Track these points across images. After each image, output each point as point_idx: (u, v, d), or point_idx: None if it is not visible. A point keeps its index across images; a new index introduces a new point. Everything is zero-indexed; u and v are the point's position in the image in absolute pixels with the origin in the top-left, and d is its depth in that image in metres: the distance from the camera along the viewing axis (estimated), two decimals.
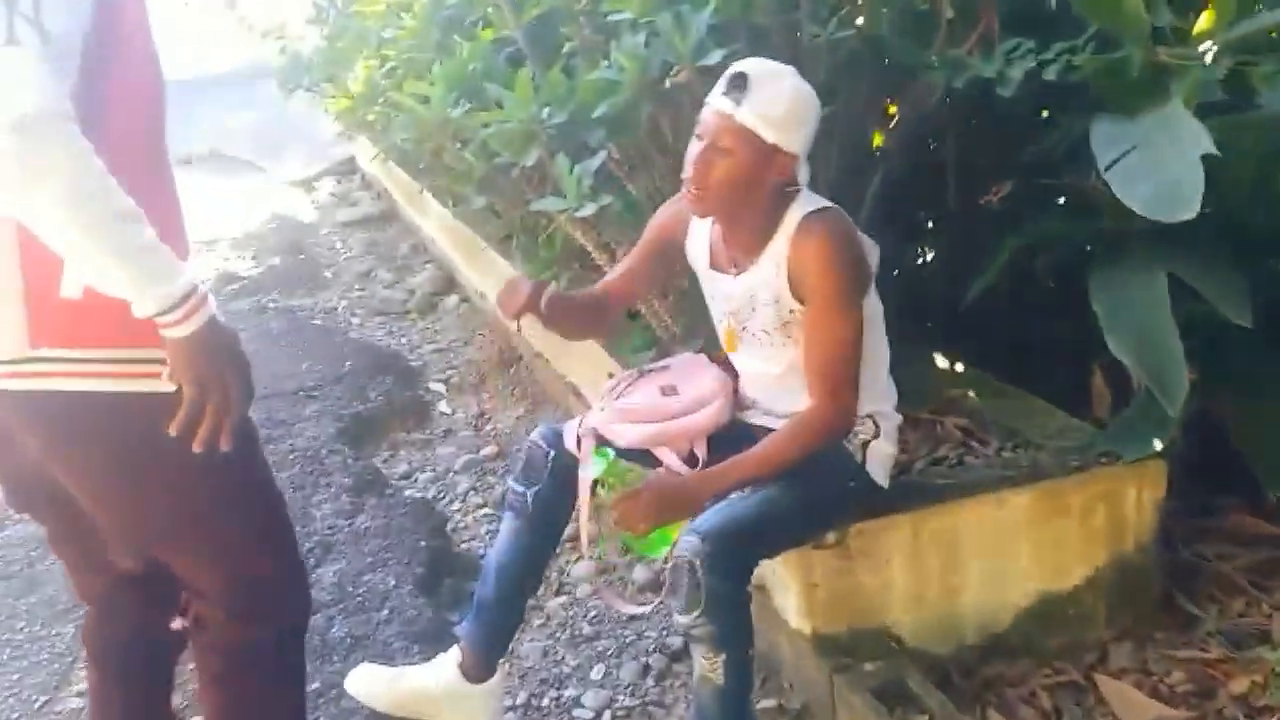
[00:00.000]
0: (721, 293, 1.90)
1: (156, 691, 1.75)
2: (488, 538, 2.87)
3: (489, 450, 3.37)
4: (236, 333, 1.38)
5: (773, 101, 1.68)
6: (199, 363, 1.30)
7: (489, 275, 4.27)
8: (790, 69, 1.74)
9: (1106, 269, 2.22)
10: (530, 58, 2.60)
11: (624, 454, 1.89)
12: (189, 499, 1.44)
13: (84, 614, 1.72)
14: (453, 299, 4.85)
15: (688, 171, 1.75)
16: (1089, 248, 2.50)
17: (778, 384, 1.90)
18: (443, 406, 3.78)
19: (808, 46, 2.27)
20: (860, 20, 2.33)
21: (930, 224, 2.79)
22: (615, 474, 1.72)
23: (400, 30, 3.06)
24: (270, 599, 1.58)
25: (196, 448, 1.32)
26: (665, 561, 1.75)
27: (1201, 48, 2.01)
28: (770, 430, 1.92)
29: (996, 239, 2.52)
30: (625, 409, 1.96)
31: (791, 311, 1.79)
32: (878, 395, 1.90)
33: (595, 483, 1.76)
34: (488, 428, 3.59)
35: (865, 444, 1.89)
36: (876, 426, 1.89)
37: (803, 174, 1.80)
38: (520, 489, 2.01)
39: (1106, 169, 1.85)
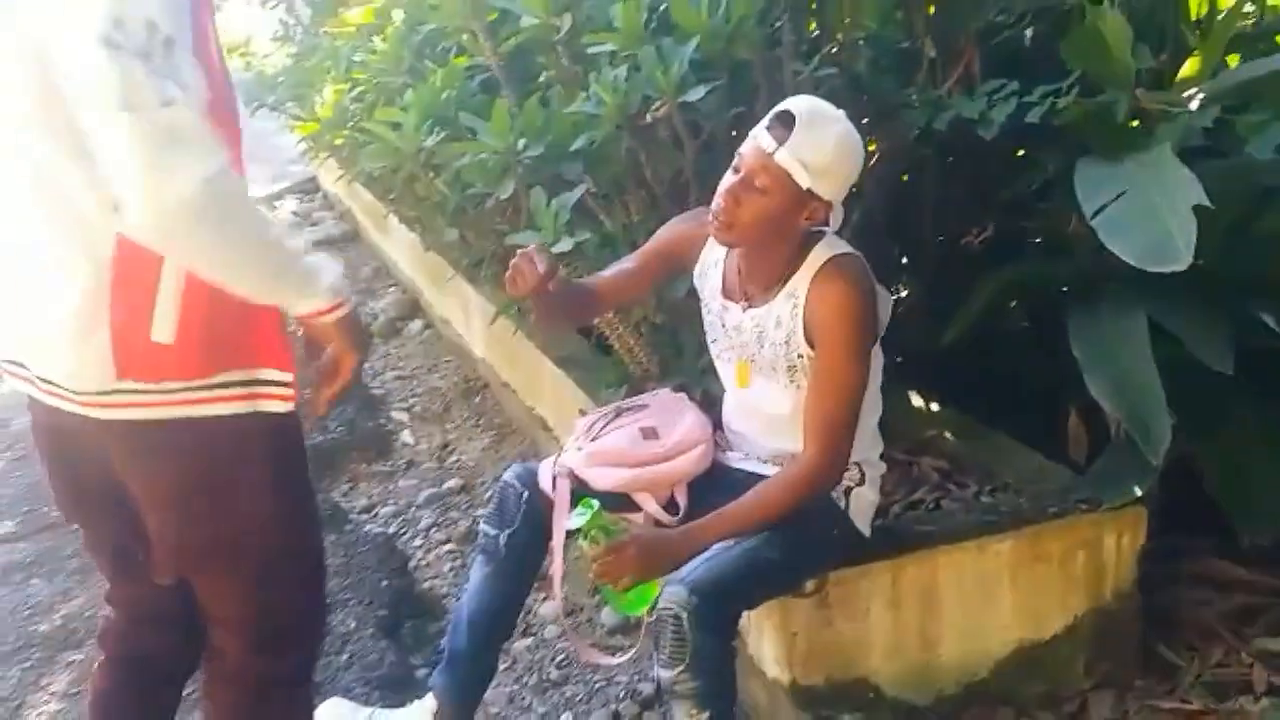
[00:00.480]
0: (730, 324, 1.85)
1: (162, 708, 1.73)
2: (450, 575, 2.79)
3: (453, 483, 3.29)
4: None
5: (816, 147, 1.64)
6: (355, 331, 1.47)
7: (454, 301, 4.20)
8: (841, 114, 1.70)
9: (1085, 312, 2.20)
10: (506, 87, 2.55)
11: (601, 497, 1.83)
12: (246, 519, 1.47)
13: (104, 617, 1.77)
14: (417, 324, 4.77)
15: (718, 203, 1.71)
16: (1065, 289, 2.50)
17: (775, 426, 1.86)
18: (405, 436, 3.70)
19: (789, 83, 2.24)
20: (841, 58, 2.31)
21: (906, 261, 2.76)
22: (599, 525, 1.66)
23: (371, 54, 3.00)
24: (295, 632, 1.58)
25: (323, 410, 1.55)
26: (648, 614, 1.69)
27: (1186, 94, 2.01)
28: (753, 474, 1.88)
29: (974, 278, 2.51)
30: (603, 450, 1.91)
31: (800, 356, 1.75)
32: (866, 443, 1.86)
33: (577, 532, 1.70)
34: (451, 459, 3.51)
35: (849, 490, 1.85)
36: (862, 474, 1.85)
37: (835, 219, 1.76)
38: (493, 532, 1.94)
39: (1093, 216, 1.83)
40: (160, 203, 1.17)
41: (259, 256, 1.30)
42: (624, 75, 2.12)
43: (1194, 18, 2.44)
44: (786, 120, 1.65)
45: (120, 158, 1.16)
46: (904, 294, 2.95)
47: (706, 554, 1.68)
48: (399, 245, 5.19)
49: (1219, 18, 2.15)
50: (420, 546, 2.95)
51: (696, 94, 2.05)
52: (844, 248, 1.77)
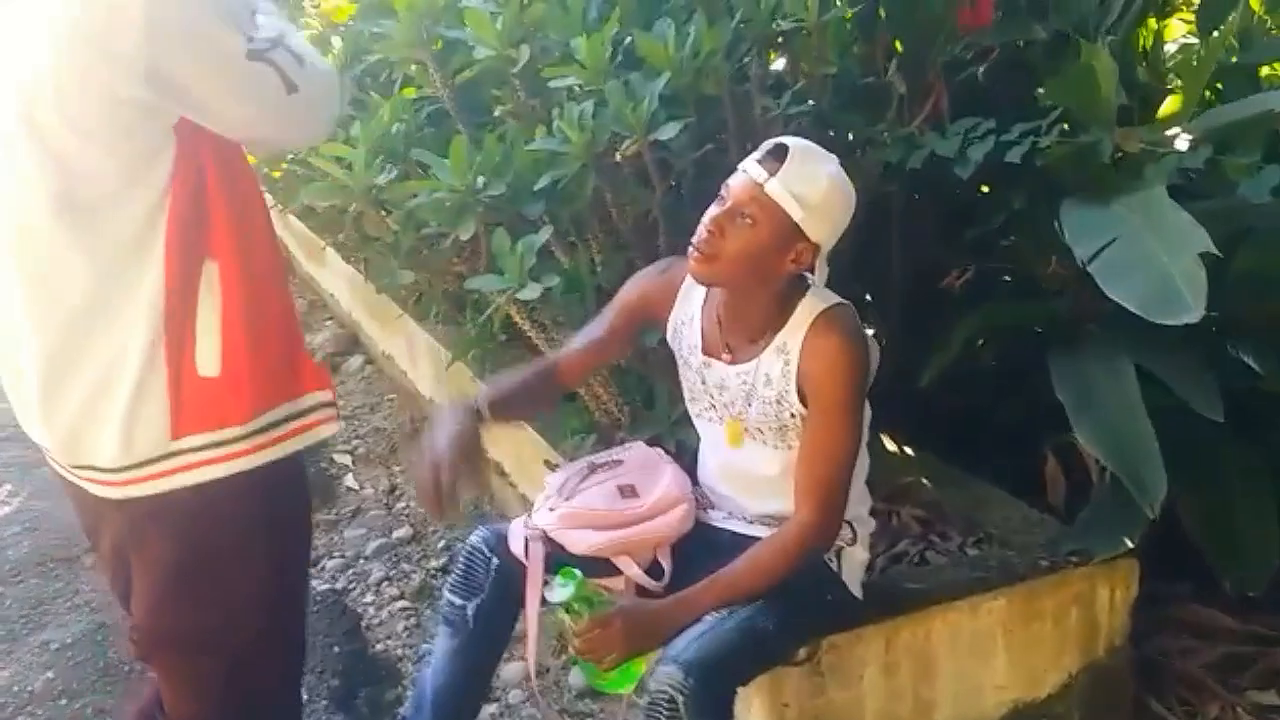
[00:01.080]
0: (713, 381, 1.73)
1: None
2: (405, 635, 2.64)
3: (402, 532, 3.13)
4: None
5: (809, 181, 1.55)
6: None
7: (399, 338, 4.04)
8: (834, 159, 1.61)
9: (1067, 355, 2.14)
10: (459, 120, 2.42)
11: (578, 561, 1.71)
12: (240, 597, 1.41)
13: None
14: (356, 360, 4.59)
15: (700, 234, 1.58)
16: (1040, 330, 2.44)
17: (763, 487, 1.75)
18: (349, 481, 3.53)
19: (759, 120, 2.15)
20: (810, 97, 2.22)
21: (873, 301, 2.69)
22: (582, 598, 1.54)
23: None
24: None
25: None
26: (633, 693, 1.57)
27: (1169, 133, 1.96)
28: (739, 534, 1.78)
29: (945, 318, 2.44)
30: (579, 511, 1.78)
31: (792, 415, 1.64)
32: (856, 500, 1.76)
33: (560, 605, 1.57)
34: (399, 505, 3.35)
35: (840, 551, 1.75)
36: (854, 533, 1.75)
37: (820, 272, 1.66)
38: (459, 601, 1.80)
39: (1090, 260, 1.76)
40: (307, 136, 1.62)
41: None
42: (590, 111, 2.01)
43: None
44: (779, 153, 1.56)
45: None
46: (871, 332, 2.88)
47: (698, 628, 1.56)
48: (336, 278, 5.00)
49: (1197, 54, 2.11)
50: (371, 604, 2.78)
51: (669, 132, 1.95)
52: (834, 298, 1.68)
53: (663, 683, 1.48)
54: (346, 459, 3.68)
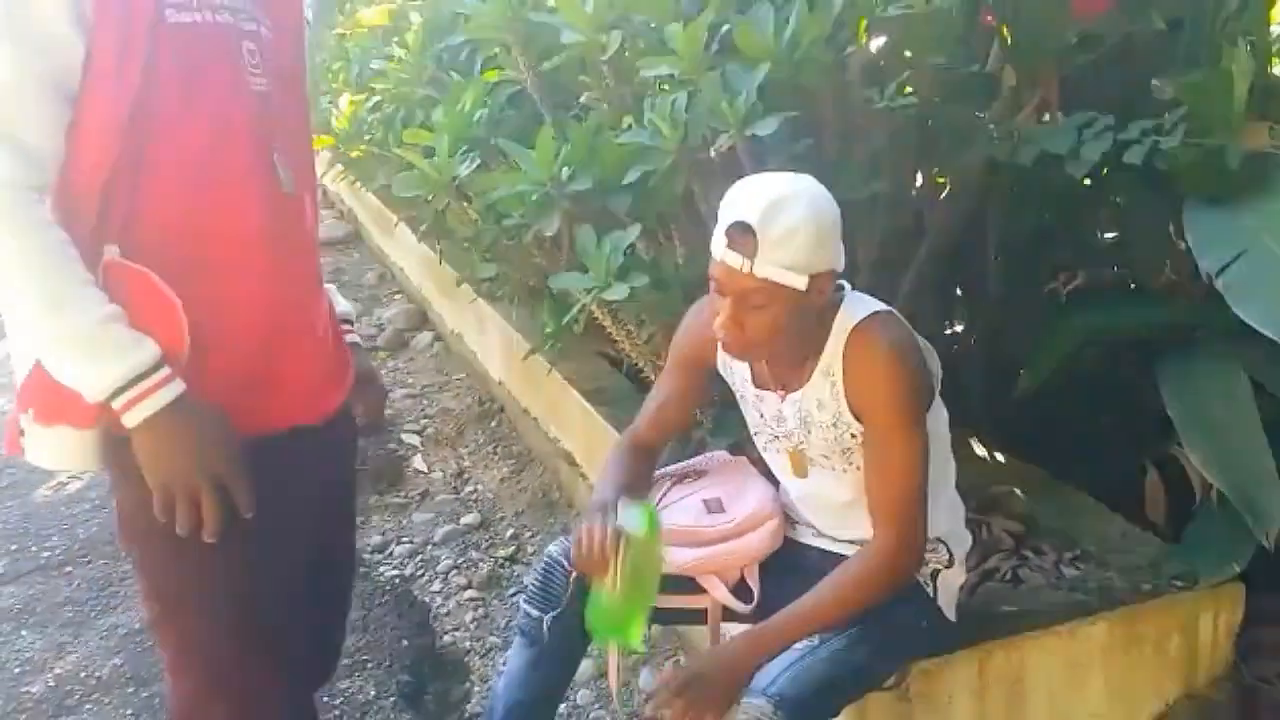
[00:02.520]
0: (769, 413, 1.65)
1: None
2: (473, 627, 2.61)
3: (470, 518, 3.10)
4: (215, 416, 1.22)
5: (790, 242, 1.41)
6: (156, 459, 1.20)
7: (469, 316, 4.00)
8: (793, 188, 1.45)
9: (1178, 367, 2.03)
10: (543, 106, 2.35)
11: (663, 580, 1.64)
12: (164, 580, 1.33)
13: None
14: (425, 336, 4.57)
15: (720, 333, 1.50)
16: (1145, 337, 2.32)
17: (840, 514, 1.67)
18: (418, 463, 3.51)
19: (860, 112, 2.05)
20: (910, 88, 2.11)
21: (965, 296, 2.58)
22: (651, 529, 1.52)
23: (391, 61, 2.79)
24: None
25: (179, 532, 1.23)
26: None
27: None
28: (829, 553, 1.70)
29: (1046, 320, 2.33)
30: (664, 527, 1.72)
31: (853, 435, 1.56)
32: (946, 513, 1.68)
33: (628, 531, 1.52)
34: (467, 489, 3.33)
35: (936, 574, 1.66)
36: (950, 553, 1.67)
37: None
38: (535, 613, 1.75)
39: (1218, 274, 1.64)
40: None
41: (14, 290, 1.15)
42: (684, 104, 1.92)
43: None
44: (743, 230, 1.42)
45: None
46: (959, 329, 2.78)
47: (787, 656, 1.49)
48: (406, 252, 4.98)
49: None
50: (439, 592, 2.76)
51: (767, 127, 1.85)
52: (869, 305, 1.57)
53: (751, 715, 1.42)
54: (415, 439, 3.66)
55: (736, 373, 1.70)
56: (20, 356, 1.27)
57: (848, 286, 1.60)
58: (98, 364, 1.16)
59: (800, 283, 1.44)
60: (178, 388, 1.19)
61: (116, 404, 1.17)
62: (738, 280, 1.45)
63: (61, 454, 1.27)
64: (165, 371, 1.19)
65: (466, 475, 3.41)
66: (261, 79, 1.29)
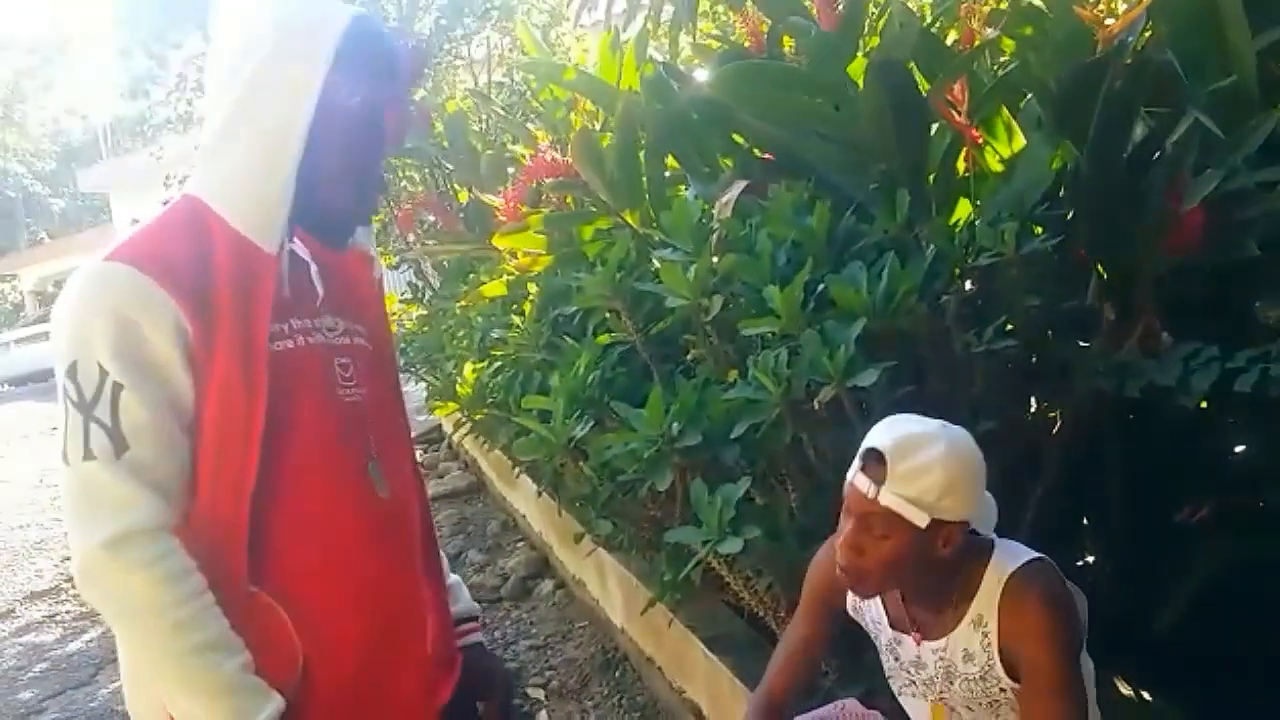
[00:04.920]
0: (906, 659, 1.63)
1: None
2: None
3: None
4: None
5: (919, 479, 1.45)
6: None
7: (590, 562, 4.04)
8: (937, 431, 1.50)
9: None
10: (651, 364, 2.46)
11: None
12: None
13: None
14: (548, 584, 4.60)
15: (841, 559, 1.53)
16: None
17: None
18: (543, 718, 3.46)
19: (960, 356, 2.10)
20: (1011, 328, 2.16)
21: (1096, 534, 2.52)
22: None
23: (509, 330, 2.98)
24: None
25: None
26: None
27: None
28: None
29: (1181, 550, 2.25)
30: None
31: (1002, 690, 1.52)
32: None
33: None
34: None
35: None
36: None
37: (988, 520, 1.57)
38: None
39: None
40: (75, 557, 1.18)
41: (153, 641, 1.18)
42: (785, 359, 2.00)
43: None
44: (877, 458, 1.47)
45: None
46: (1089, 560, 2.69)
47: None
48: (527, 499, 5.10)
49: None
50: None
51: (868, 379, 1.91)
52: (1023, 555, 1.55)
53: None
54: (540, 693, 3.63)
55: (868, 614, 1.69)
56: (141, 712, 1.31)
57: (996, 537, 1.59)
58: (230, 718, 1.19)
59: (921, 520, 1.45)
60: None
61: None
62: (863, 504, 1.48)
63: None
64: None
65: None
66: (355, 389, 1.36)
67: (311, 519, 1.29)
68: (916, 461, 1.45)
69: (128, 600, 1.17)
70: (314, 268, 1.34)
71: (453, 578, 1.61)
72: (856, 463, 1.52)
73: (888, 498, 1.46)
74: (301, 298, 1.33)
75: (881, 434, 1.50)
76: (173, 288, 1.19)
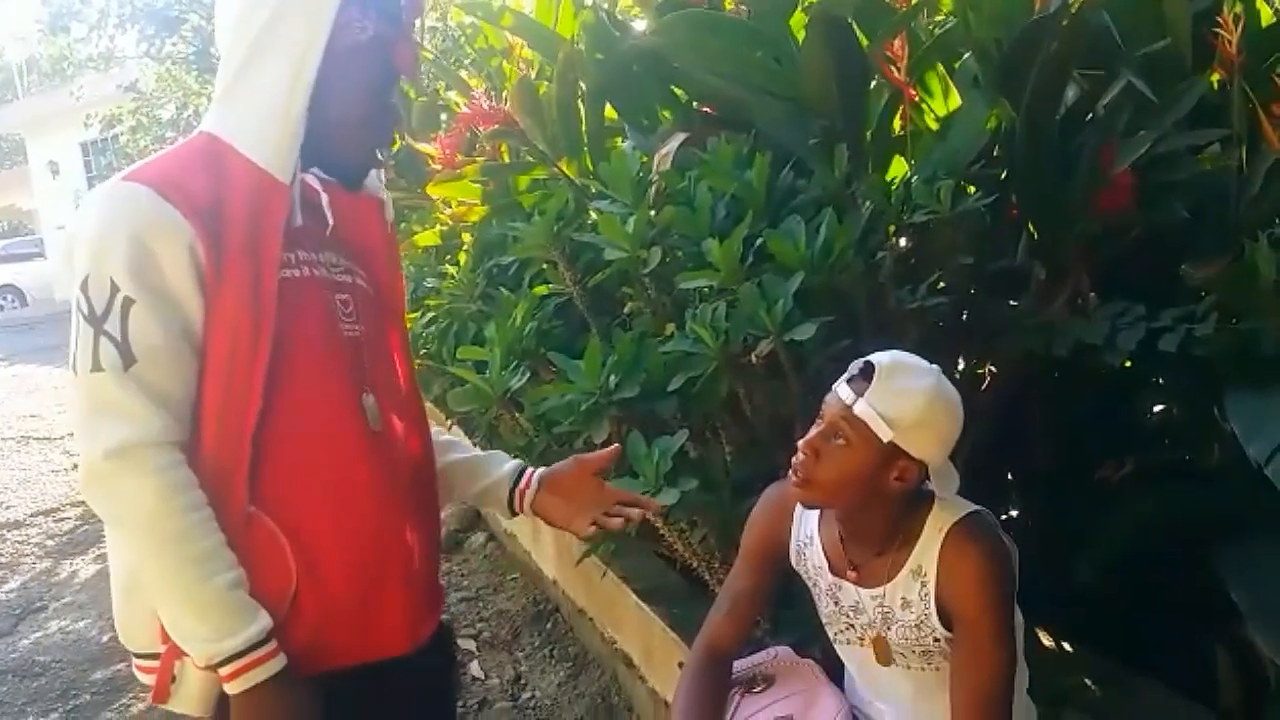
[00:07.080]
0: (847, 603, 1.65)
1: None
2: None
3: None
4: (308, 694, 1.25)
5: (899, 399, 1.47)
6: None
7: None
8: (932, 369, 1.53)
9: (1237, 551, 2.00)
10: (589, 316, 2.45)
11: None
12: None
13: None
14: (479, 537, 4.60)
15: (797, 457, 1.54)
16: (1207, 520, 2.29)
17: (912, 708, 1.64)
18: (475, 669, 3.47)
19: (895, 313, 2.12)
20: (944, 286, 2.19)
21: (1021, 487, 2.58)
22: None
23: (444, 280, 2.94)
24: None
25: None
26: None
27: None
28: None
29: (1101, 505, 2.32)
30: None
31: (936, 640, 1.55)
32: (1021, 716, 1.64)
33: None
34: (525, 695, 3.28)
35: None
36: None
37: (945, 483, 1.57)
38: None
39: (1266, 462, 1.65)
40: (81, 464, 1.21)
41: (149, 549, 1.21)
42: (723, 313, 2.01)
43: None
44: (867, 372, 1.50)
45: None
46: (1014, 514, 2.76)
47: None
48: None
49: None
50: None
51: (804, 332, 1.92)
52: (963, 507, 1.57)
53: None
54: (472, 644, 3.64)
55: (808, 559, 1.70)
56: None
57: (940, 488, 1.61)
58: (218, 631, 1.21)
59: (885, 433, 1.46)
60: (280, 663, 1.24)
61: (224, 670, 1.22)
62: (838, 411, 1.50)
63: (208, 698, 1.31)
64: (272, 645, 1.24)
65: (524, 680, 3.36)
66: (354, 326, 1.38)
67: (305, 443, 1.30)
68: (903, 384, 1.48)
69: (128, 507, 1.20)
70: (325, 198, 1.36)
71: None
72: (846, 375, 1.54)
73: (862, 407, 1.47)
74: (310, 229, 1.35)
75: (880, 354, 1.53)
76: (189, 211, 1.23)
